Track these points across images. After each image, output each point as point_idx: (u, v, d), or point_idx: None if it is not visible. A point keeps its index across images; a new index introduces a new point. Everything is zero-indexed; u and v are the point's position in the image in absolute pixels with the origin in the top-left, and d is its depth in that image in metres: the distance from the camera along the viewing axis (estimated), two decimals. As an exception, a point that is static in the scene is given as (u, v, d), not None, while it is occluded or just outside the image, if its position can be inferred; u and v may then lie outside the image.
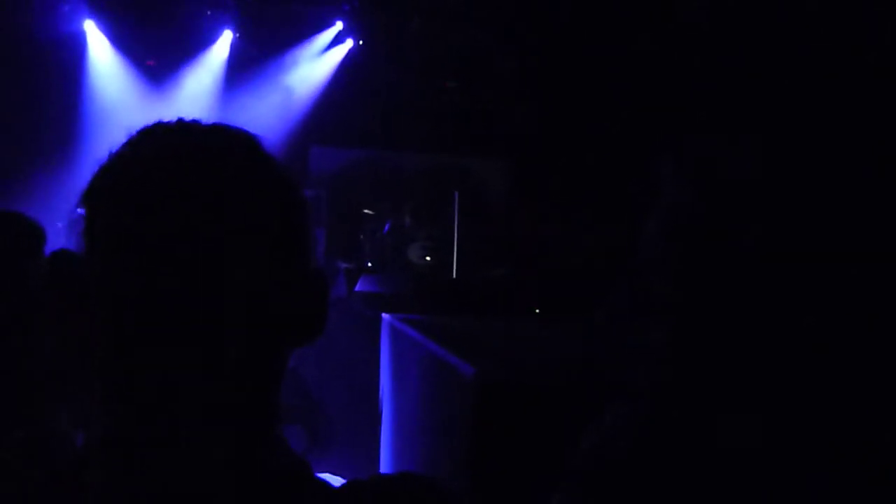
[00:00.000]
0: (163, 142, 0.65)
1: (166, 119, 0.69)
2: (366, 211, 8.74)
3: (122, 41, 8.40)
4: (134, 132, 0.67)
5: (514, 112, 8.32)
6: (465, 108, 8.73)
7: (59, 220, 7.23)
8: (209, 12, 8.31)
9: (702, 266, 0.77)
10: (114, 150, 0.65)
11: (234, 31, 8.49)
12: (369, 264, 8.33)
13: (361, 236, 8.60)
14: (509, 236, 7.86)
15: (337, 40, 8.80)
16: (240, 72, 8.64)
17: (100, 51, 8.48)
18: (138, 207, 0.59)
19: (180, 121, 0.69)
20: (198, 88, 8.67)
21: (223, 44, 8.57)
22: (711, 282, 0.77)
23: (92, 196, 0.63)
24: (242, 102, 8.66)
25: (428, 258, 8.50)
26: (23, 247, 2.57)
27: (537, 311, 6.26)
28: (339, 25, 8.67)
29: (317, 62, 8.86)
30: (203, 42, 8.54)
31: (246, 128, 0.75)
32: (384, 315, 5.78)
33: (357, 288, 6.59)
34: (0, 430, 2.22)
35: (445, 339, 2.64)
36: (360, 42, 8.79)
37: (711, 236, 0.77)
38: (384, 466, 4.78)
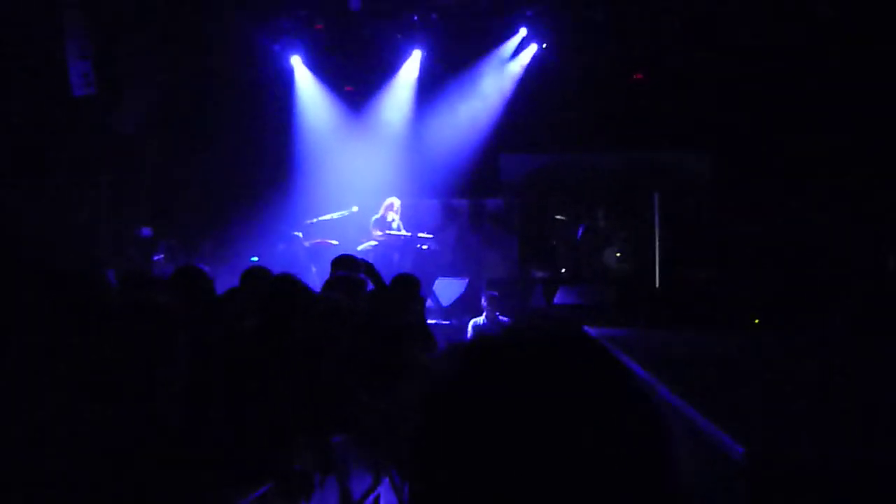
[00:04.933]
0: None
1: None
2: (557, 216, 8.58)
3: (324, 71, 9.05)
4: None
5: (711, 102, 7.66)
6: (657, 101, 8.22)
7: (280, 242, 7.96)
8: (399, 36, 8.66)
9: None
10: None
11: (423, 50, 8.77)
12: (563, 271, 8.16)
13: (554, 242, 8.45)
14: (717, 236, 7.23)
15: (522, 46, 8.74)
16: (431, 87, 8.91)
17: (305, 82, 9.22)
18: None
19: None
20: (393, 107, 9.08)
21: (413, 63, 8.89)
22: None
23: None
24: (435, 116, 8.92)
25: (626, 262, 8.14)
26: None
27: (757, 321, 5.69)
28: (522, 32, 8.60)
29: (504, 70, 8.87)
30: (395, 64, 8.93)
31: None
32: (587, 329, 5.59)
33: (556, 300, 6.45)
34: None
35: (677, 379, 2.43)
36: (545, 46, 8.65)
37: None
38: None
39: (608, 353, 0.67)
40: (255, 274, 3.20)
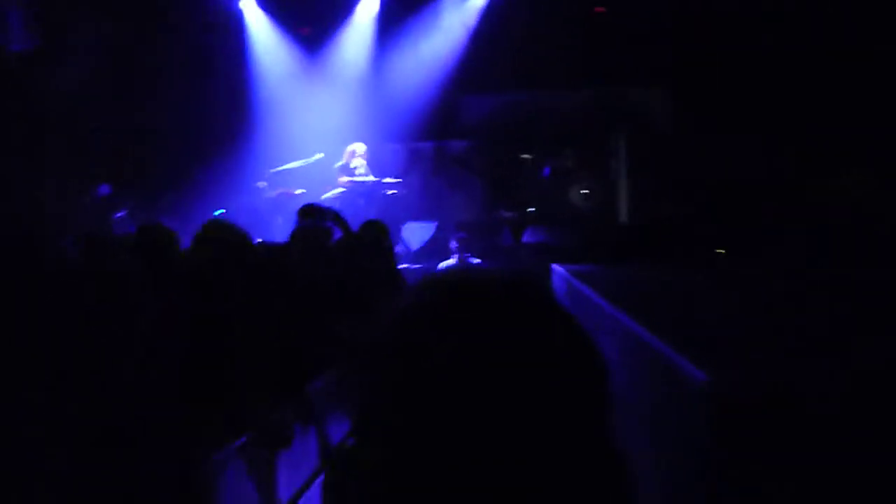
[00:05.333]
0: None
1: None
2: (523, 156, 8.55)
3: (278, 14, 8.71)
4: None
5: (674, 35, 7.56)
6: (618, 35, 8.06)
7: (244, 194, 7.82)
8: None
9: None
10: None
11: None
12: (531, 210, 8.20)
13: (520, 182, 8.45)
14: (682, 171, 7.27)
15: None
16: (389, 28, 8.66)
17: (258, 26, 8.86)
18: None
19: None
20: (353, 49, 8.81)
21: (371, 3, 8.62)
22: None
23: None
24: (396, 56, 8.69)
25: (592, 200, 8.20)
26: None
27: (722, 251, 5.81)
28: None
29: (461, 9, 8.64)
30: (351, 4, 8.63)
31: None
32: (555, 267, 5.65)
33: (525, 239, 6.51)
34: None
35: (643, 313, 2.49)
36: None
37: None
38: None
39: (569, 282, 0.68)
40: (216, 227, 3.13)
